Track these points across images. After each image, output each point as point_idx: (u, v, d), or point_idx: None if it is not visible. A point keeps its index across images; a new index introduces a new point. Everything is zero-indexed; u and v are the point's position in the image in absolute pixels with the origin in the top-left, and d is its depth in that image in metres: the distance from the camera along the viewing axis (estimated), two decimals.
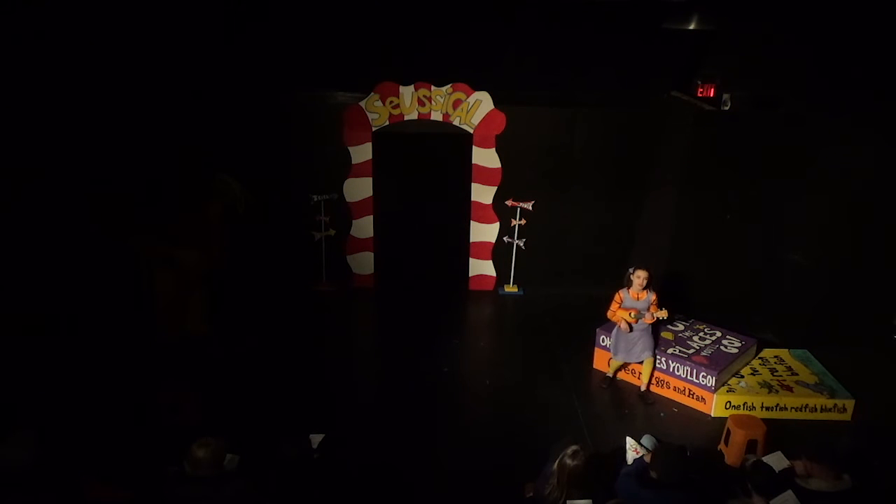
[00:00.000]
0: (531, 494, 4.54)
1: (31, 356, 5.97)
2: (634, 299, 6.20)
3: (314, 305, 8.22)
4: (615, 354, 6.44)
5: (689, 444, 5.24)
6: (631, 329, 6.20)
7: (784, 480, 4.35)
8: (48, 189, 6.22)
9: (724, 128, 7.23)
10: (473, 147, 8.17)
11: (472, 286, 8.81)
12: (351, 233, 8.47)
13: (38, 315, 6.17)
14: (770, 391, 6.16)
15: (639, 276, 6.14)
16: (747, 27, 6.95)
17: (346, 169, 8.20)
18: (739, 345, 6.65)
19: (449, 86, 7.93)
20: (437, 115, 8.07)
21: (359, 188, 8.30)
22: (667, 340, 6.65)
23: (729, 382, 6.30)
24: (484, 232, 8.55)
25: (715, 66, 7.63)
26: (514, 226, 8.40)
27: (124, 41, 6.72)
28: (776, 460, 4.80)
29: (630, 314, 6.16)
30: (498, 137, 8.11)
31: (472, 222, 8.52)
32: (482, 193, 8.36)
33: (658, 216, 8.27)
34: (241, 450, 4.70)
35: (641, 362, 6.38)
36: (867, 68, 6.09)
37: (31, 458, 3.96)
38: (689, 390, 6.29)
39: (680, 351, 6.46)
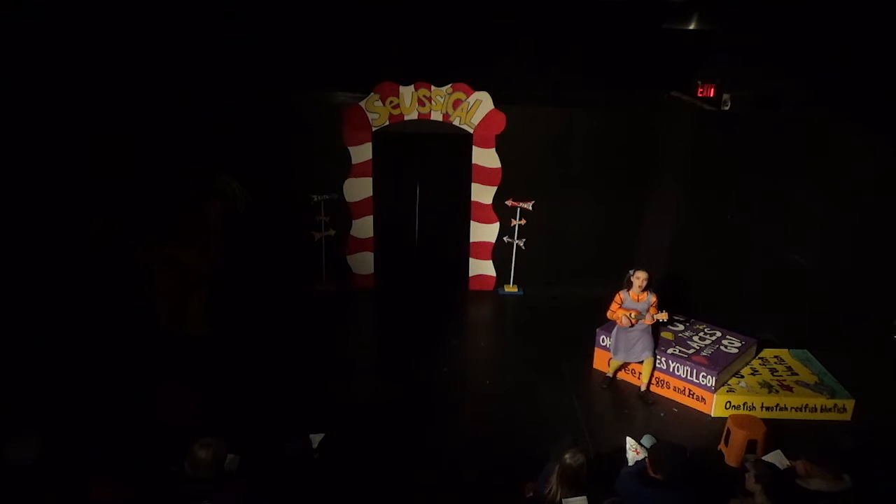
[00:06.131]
0: (531, 494, 4.54)
1: (33, 356, 5.97)
2: (635, 300, 6.20)
3: (314, 305, 8.22)
4: (615, 354, 6.44)
5: (689, 444, 5.24)
6: (632, 325, 6.18)
7: (784, 480, 4.35)
8: (48, 189, 6.23)
9: (724, 128, 7.23)
10: (473, 147, 8.17)
11: (472, 286, 8.81)
12: (351, 233, 8.47)
13: (39, 315, 6.17)
14: (770, 391, 6.17)
15: (638, 278, 6.14)
16: (747, 27, 6.96)
17: (346, 169, 8.20)
18: (739, 345, 6.65)
19: (449, 86, 7.93)
20: (437, 115, 8.07)
21: (359, 188, 8.30)
22: (667, 340, 6.65)
23: (729, 382, 6.31)
24: (484, 232, 8.56)
25: (715, 66, 7.63)
26: (514, 226, 8.41)
27: (124, 41, 6.73)
28: (776, 460, 4.81)
29: (630, 315, 6.16)
30: (498, 137, 8.11)
31: (472, 222, 8.53)
32: (482, 193, 8.36)
33: (658, 216, 8.28)
34: (242, 450, 4.69)
35: (641, 362, 6.39)
36: (867, 68, 6.09)
37: (34, 456, 3.97)
38: (689, 390, 6.29)
39: (680, 351, 6.46)
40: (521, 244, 8.49)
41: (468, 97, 7.97)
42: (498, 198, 8.34)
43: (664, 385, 6.45)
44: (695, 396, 6.26)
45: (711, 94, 7.36)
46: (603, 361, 6.78)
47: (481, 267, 8.75)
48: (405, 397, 6.33)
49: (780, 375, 6.43)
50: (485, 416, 6.23)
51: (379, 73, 7.85)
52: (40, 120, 6.14)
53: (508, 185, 8.27)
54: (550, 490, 4.21)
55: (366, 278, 8.70)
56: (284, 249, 8.33)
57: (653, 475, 4.29)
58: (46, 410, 5.10)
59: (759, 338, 6.89)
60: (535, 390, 6.50)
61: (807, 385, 6.24)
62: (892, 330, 5.58)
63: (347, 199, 8.33)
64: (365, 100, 7.94)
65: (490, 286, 8.81)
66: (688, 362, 6.28)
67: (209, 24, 7.13)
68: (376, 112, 8.00)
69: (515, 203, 8.28)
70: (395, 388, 6.53)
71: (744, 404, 6.09)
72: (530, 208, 8.32)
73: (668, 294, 6.69)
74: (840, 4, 6.14)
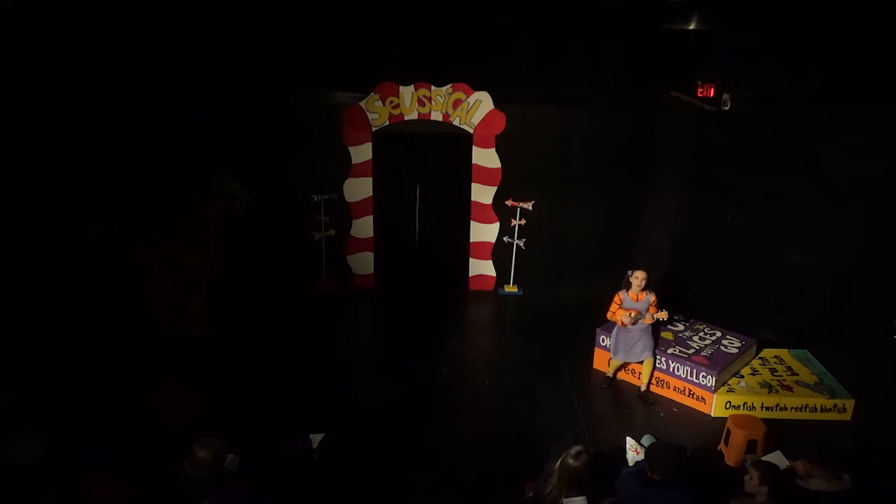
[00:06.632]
0: (531, 494, 4.54)
1: (34, 356, 5.97)
2: (634, 300, 6.20)
3: (314, 305, 8.22)
4: (615, 354, 6.44)
5: (689, 444, 5.24)
6: (634, 322, 6.17)
7: (784, 480, 4.35)
8: (48, 190, 6.23)
9: (724, 128, 7.24)
10: (473, 147, 8.18)
11: (472, 286, 8.81)
12: (351, 233, 8.48)
13: (40, 315, 6.17)
14: (770, 391, 6.16)
15: (637, 278, 6.14)
16: (747, 27, 6.96)
17: (346, 169, 8.20)
18: (739, 345, 6.65)
19: (449, 86, 7.93)
20: (437, 115, 8.07)
21: (359, 188, 8.30)
22: (667, 340, 6.65)
23: (729, 382, 6.30)
24: (484, 232, 8.56)
25: (715, 66, 7.63)
26: (514, 226, 8.41)
27: (124, 41, 6.73)
28: (776, 460, 4.81)
29: (630, 315, 6.16)
30: (498, 137, 8.11)
31: (472, 222, 8.53)
32: (482, 193, 8.36)
33: (658, 216, 8.28)
34: (242, 450, 4.69)
35: (641, 362, 6.39)
36: (867, 68, 6.09)
37: (34, 456, 3.97)
38: (689, 390, 6.29)
39: (680, 351, 6.46)
40: (521, 244, 8.49)
41: (468, 97, 7.97)
42: (498, 198, 8.34)
43: (664, 385, 6.45)
44: (695, 396, 6.26)
45: (711, 94, 7.36)
46: (603, 361, 6.78)
47: (481, 267, 8.75)
48: (405, 397, 6.33)
49: (780, 375, 6.43)
50: (485, 416, 6.22)
51: (379, 73, 7.85)
52: (40, 120, 6.14)
53: (508, 185, 8.27)
54: (551, 490, 4.21)
55: (366, 278, 8.70)
56: (284, 249, 8.34)
57: (650, 475, 4.29)
58: (46, 410, 5.10)
59: (759, 338, 6.89)
60: (535, 390, 6.50)
61: (807, 385, 6.24)
62: (893, 330, 5.58)
63: (347, 199, 8.33)
64: (365, 100, 7.94)
65: (490, 286, 8.81)
66: (688, 362, 6.28)
67: (209, 24, 7.13)
68: (376, 112, 8.00)
69: (515, 203, 8.29)
70: (395, 388, 6.53)
71: (744, 404, 6.09)
72: (530, 208, 8.32)
73: (668, 294, 6.69)
74: (840, 4, 6.14)
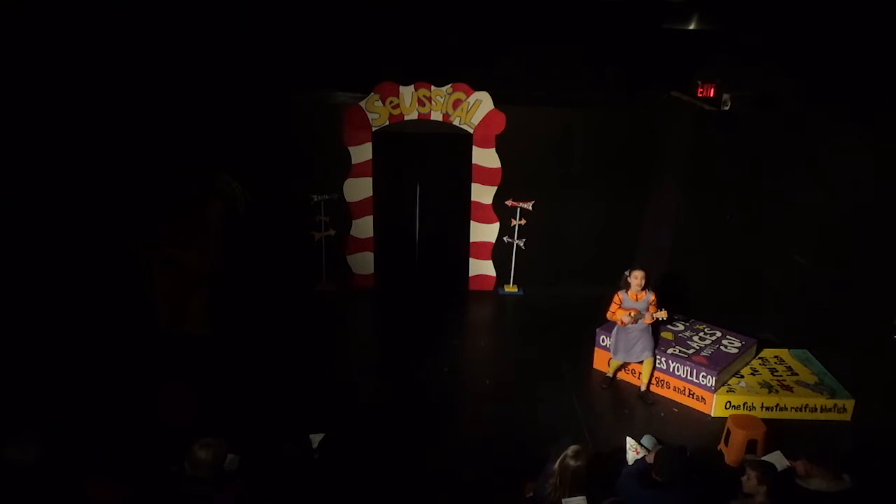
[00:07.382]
0: (531, 494, 4.54)
1: (33, 356, 5.97)
2: (633, 300, 6.19)
3: (314, 305, 8.22)
4: (615, 354, 6.44)
5: (689, 444, 5.25)
6: (636, 321, 6.17)
7: (784, 480, 4.35)
8: (49, 189, 6.23)
9: (724, 128, 7.24)
10: (473, 147, 8.18)
11: (472, 286, 8.81)
12: (351, 233, 8.47)
13: (40, 315, 6.17)
14: (770, 391, 6.17)
15: (635, 277, 6.14)
16: (747, 27, 6.95)
17: (346, 169, 8.20)
18: (739, 345, 6.65)
19: (449, 86, 7.93)
20: (437, 115, 8.07)
21: (359, 188, 8.30)
22: (667, 340, 6.65)
23: (729, 382, 6.31)
24: (484, 232, 8.56)
25: (715, 66, 7.63)
26: (514, 226, 8.41)
27: (124, 40, 6.73)
28: (776, 460, 4.81)
29: (630, 314, 6.16)
30: (498, 137, 8.11)
31: (472, 222, 8.53)
32: (482, 193, 8.36)
33: (658, 216, 8.28)
34: (242, 450, 4.70)
35: (641, 362, 6.39)
36: (867, 68, 6.09)
37: (35, 456, 3.97)
38: (689, 390, 6.29)
39: (680, 351, 6.46)
40: (521, 244, 8.49)
41: (468, 97, 7.97)
42: (498, 198, 8.35)
43: (664, 385, 6.45)
44: (695, 396, 6.26)
45: (711, 94, 7.34)
46: (603, 361, 6.78)
47: (481, 267, 8.75)
48: (405, 397, 6.33)
49: (780, 375, 6.43)
50: (485, 416, 6.23)
51: (379, 73, 7.85)
52: (40, 120, 6.14)
53: (508, 185, 8.27)
54: (551, 490, 4.21)
55: (366, 278, 8.70)
56: (284, 249, 8.33)
57: (654, 477, 4.29)
58: (46, 410, 5.10)
59: (759, 338, 6.89)
60: (535, 390, 6.49)
61: (807, 385, 6.24)
62: (893, 330, 5.58)
63: (347, 199, 8.33)
64: (365, 100, 7.94)
65: (490, 286, 8.81)
66: (688, 362, 6.28)
67: (209, 23, 7.12)
68: (376, 112, 8.00)
69: (515, 203, 8.29)
70: (395, 388, 6.53)
71: (744, 404, 6.09)
72: (530, 208, 8.32)
73: (668, 294, 6.70)
74: (840, 4, 6.14)
